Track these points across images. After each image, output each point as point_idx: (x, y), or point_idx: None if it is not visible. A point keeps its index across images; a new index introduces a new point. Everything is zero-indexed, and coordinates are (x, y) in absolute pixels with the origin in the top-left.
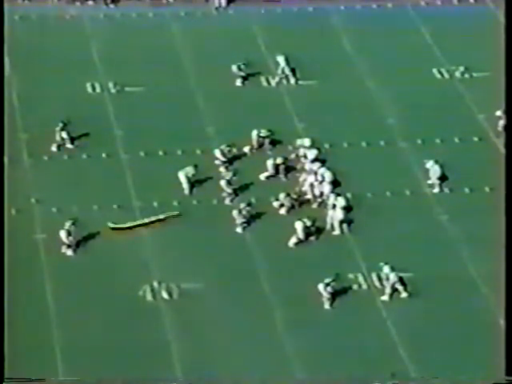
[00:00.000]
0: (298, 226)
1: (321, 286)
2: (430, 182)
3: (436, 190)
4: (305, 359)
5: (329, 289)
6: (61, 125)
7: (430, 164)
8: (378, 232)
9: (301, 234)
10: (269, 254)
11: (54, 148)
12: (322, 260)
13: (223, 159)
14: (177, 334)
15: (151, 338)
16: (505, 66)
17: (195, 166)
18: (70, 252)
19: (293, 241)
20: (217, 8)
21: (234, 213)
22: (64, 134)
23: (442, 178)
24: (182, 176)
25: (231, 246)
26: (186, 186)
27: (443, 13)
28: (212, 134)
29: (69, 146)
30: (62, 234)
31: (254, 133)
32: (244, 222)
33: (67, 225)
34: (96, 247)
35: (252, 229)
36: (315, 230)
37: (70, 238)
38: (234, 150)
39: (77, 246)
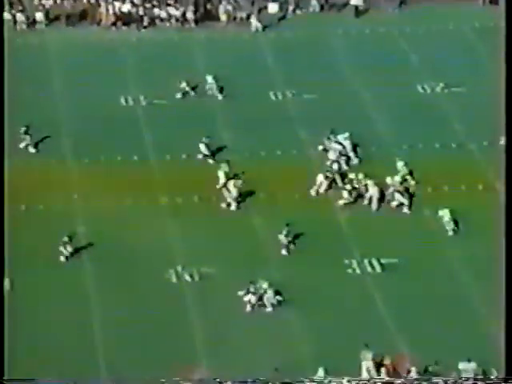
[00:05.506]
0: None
1: (281, 236)
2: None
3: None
4: (308, 336)
5: (282, 237)
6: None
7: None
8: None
9: (347, 197)
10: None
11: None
12: (323, 248)
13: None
14: (197, 313)
15: (175, 317)
16: (505, 66)
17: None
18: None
19: (341, 202)
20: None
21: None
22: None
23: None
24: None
25: (245, 235)
26: (222, 181)
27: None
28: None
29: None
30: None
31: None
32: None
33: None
34: (125, 238)
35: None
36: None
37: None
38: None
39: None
